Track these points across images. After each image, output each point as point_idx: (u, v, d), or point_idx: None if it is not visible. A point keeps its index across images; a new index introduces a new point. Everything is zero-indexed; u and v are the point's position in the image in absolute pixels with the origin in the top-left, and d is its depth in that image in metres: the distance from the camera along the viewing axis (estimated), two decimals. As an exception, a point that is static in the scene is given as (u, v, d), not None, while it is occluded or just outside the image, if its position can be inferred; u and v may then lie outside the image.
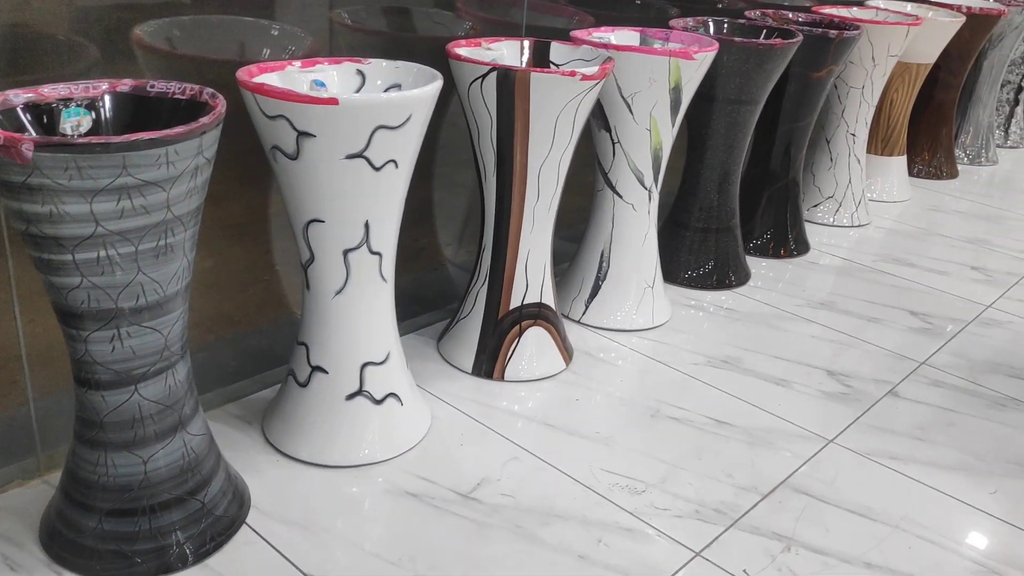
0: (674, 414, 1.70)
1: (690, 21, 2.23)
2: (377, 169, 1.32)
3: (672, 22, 2.14)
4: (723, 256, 2.27)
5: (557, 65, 1.78)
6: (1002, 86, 3.84)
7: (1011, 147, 3.94)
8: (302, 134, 1.26)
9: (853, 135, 2.72)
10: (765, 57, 2.02)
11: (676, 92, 1.83)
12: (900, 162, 3.08)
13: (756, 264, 2.43)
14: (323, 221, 1.35)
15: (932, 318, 2.20)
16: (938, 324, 2.17)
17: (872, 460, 1.61)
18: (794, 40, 2.06)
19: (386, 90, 1.48)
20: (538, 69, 1.53)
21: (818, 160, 2.79)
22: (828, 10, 2.71)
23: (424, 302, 2.00)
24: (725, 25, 2.25)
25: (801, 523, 1.43)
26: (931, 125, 3.34)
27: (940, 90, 3.29)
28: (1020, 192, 3.35)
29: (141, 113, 1.17)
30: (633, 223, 1.98)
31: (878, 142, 3.04)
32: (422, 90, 1.31)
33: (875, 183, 3.06)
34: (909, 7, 3.03)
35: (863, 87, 2.64)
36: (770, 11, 2.49)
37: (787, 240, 2.51)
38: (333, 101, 1.23)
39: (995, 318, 2.24)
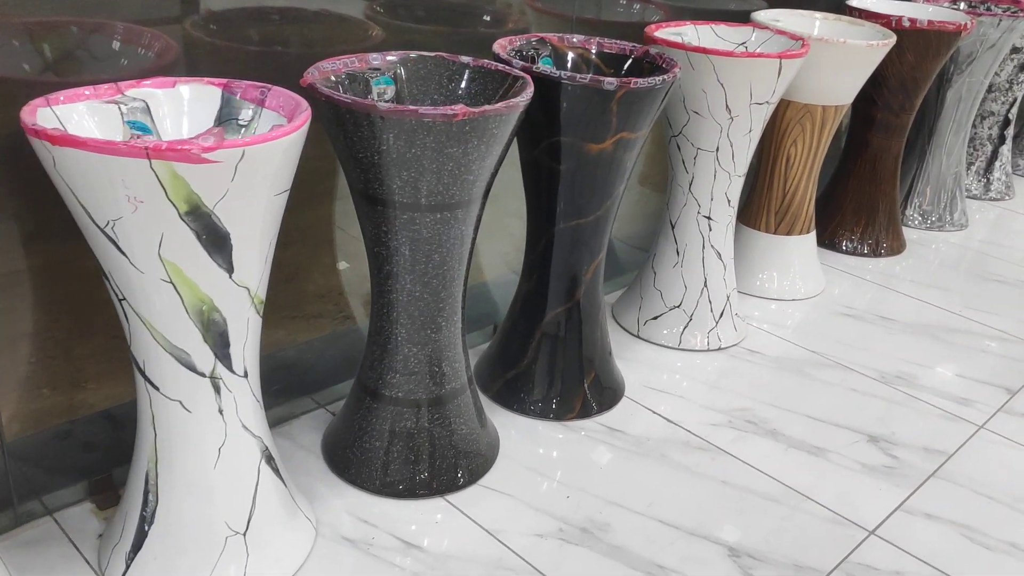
0: None
1: (375, 59, 1.34)
2: None
3: (315, 68, 1.25)
4: (440, 444, 1.40)
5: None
6: (983, 119, 2.89)
7: (993, 199, 2.99)
8: None
9: (708, 218, 1.82)
10: (444, 137, 1.14)
11: (199, 217, 0.96)
12: (805, 243, 2.17)
13: (522, 436, 1.55)
14: None
15: (760, 566, 1.31)
16: (767, 584, 1.28)
17: None
18: (504, 105, 1.17)
19: None
20: None
21: (661, 252, 1.89)
22: (671, 30, 1.81)
23: None
24: (425, 68, 1.36)
25: None
26: (864, 184, 2.42)
27: (878, 136, 2.36)
28: (989, 278, 2.40)
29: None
30: (188, 432, 1.12)
31: (771, 217, 2.13)
32: None
33: (767, 276, 2.15)
34: (817, 22, 2.11)
35: (717, 149, 1.74)
36: (554, 37, 1.60)
37: (578, 391, 1.62)
38: None
39: (874, 563, 1.34)
